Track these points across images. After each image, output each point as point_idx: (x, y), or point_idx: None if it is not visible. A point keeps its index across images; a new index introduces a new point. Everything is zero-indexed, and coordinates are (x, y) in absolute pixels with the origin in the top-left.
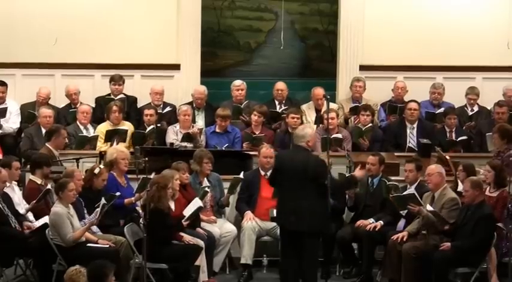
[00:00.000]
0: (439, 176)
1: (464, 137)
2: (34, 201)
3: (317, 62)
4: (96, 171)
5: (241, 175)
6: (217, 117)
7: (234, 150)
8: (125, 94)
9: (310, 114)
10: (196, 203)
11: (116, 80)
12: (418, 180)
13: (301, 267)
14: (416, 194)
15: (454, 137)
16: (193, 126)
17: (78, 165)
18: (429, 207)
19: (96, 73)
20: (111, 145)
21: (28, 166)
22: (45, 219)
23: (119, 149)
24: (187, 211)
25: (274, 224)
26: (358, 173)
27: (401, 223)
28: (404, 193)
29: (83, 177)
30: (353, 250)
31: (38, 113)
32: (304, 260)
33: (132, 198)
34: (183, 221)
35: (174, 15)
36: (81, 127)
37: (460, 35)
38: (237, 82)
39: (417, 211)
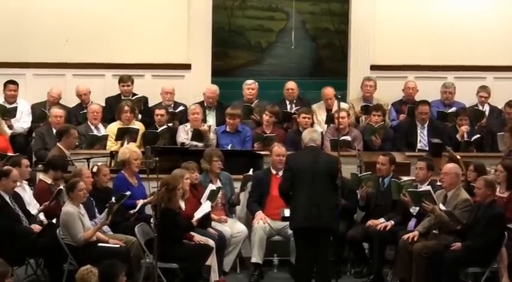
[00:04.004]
0: (455, 176)
1: (478, 136)
2: (47, 203)
3: (328, 62)
4: (94, 169)
5: (251, 172)
6: (227, 115)
7: (245, 150)
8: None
9: (321, 114)
10: (207, 206)
11: (125, 81)
12: (429, 180)
13: (317, 266)
14: (432, 191)
15: (466, 138)
16: (203, 125)
17: (89, 165)
18: (442, 207)
19: (107, 73)
20: (122, 144)
21: (39, 166)
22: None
23: (132, 149)
24: (198, 214)
25: (285, 223)
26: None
27: (412, 223)
28: (418, 189)
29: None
30: (364, 250)
31: (49, 113)
32: (322, 258)
33: (145, 200)
34: (192, 220)
35: (185, 15)
36: (92, 127)
37: (471, 34)
38: (249, 81)
39: (431, 210)
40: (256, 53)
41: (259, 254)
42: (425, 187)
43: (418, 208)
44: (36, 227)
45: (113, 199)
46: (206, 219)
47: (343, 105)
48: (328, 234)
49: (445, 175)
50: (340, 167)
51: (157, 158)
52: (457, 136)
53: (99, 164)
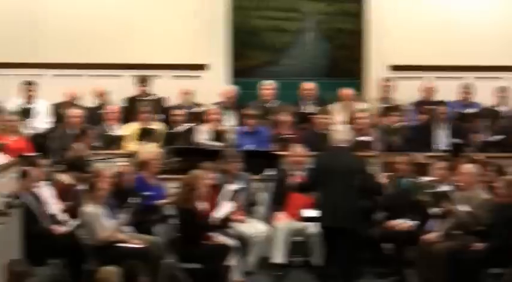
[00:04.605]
0: (473, 176)
1: (499, 137)
2: (67, 203)
3: (344, 62)
4: (116, 170)
5: (269, 172)
6: (245, 116)
7: (263, 150)
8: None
9: (338, 115)
10: (226, 206)
11: (143, 81)
12: (449, 180)
13: (342, 267)
14: (450, 192)
15: (485, 138)
16: (222, 126)
17: (108, 166)
18: (462, 207)
19: (124, 73)
20: (140, 145)
21: (58, 166)
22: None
23: (151, 150)
24: (218, 214)
25: (305, 224)
26: (384, 180)
27: (432, 223)
28: (438, 190)
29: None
30: (384, 250)
31: (67, 113)
32: (348, 259)
33: (164, 201)
34: (212, 220)
35: (204, 16)
36: (110, 127)
37: (489, 34)
38: (266, 82)
39: (450, 210)
40: (272, 54)
41: (280, 254)
42: (444, 187)
43: (437, 209)
44: (57, 228)
45: (133, 200)
46: (225, 220)
47: (362, 105)
48: (353, 235)
49: (462, 176)
50: (368, 169)
51: (176, 159)
52: (474, 138)
53: (121, 164)
